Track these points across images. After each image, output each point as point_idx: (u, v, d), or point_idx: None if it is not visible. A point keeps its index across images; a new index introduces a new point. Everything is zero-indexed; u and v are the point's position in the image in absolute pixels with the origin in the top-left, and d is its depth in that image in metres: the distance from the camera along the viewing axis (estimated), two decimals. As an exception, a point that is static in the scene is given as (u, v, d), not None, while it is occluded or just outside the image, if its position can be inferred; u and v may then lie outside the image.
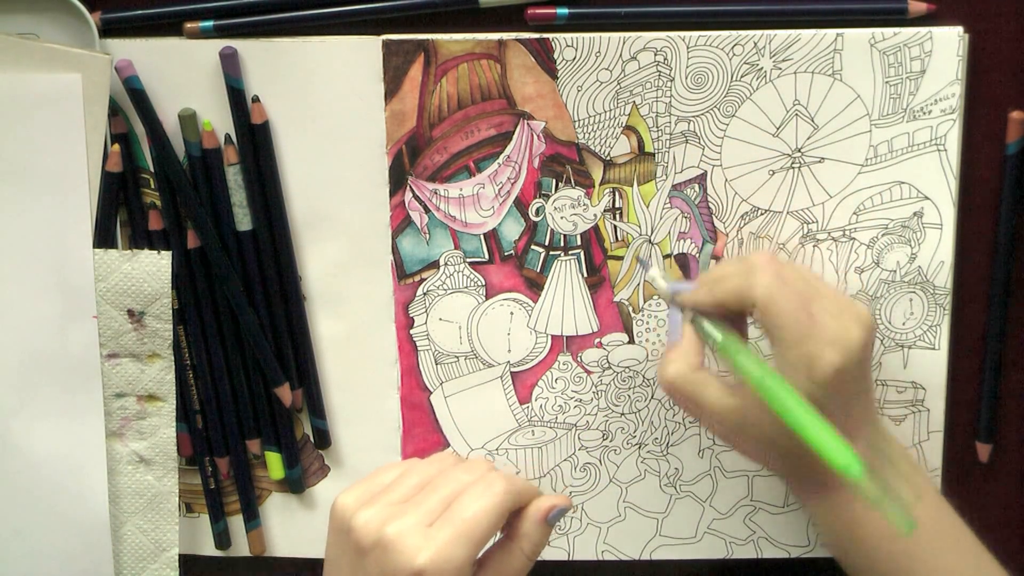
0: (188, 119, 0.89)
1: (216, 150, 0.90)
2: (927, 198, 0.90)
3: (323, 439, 0.95)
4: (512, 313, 0.93)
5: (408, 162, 0.90)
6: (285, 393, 0.93)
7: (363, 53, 0.89)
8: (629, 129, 0.89)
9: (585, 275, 0.92)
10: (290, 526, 0.97)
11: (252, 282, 0.92)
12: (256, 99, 0.89)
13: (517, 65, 0.88)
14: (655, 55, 0.88)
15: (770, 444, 0.81)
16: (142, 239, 0.91)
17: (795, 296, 0.80)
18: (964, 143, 0.89)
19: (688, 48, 0.87)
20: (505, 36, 0.88)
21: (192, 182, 0.90)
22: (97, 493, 0.93)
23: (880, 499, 0.74)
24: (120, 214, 0.91)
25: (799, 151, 0.89)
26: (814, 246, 0.91)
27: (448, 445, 0.95)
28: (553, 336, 0.93)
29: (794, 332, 0.79)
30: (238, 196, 0.90)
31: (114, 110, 0.89)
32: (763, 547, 0.96)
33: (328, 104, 0.90)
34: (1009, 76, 0.89)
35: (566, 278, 0.92)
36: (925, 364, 0.92)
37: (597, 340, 0.93)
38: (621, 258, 0.91)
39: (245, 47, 0.89)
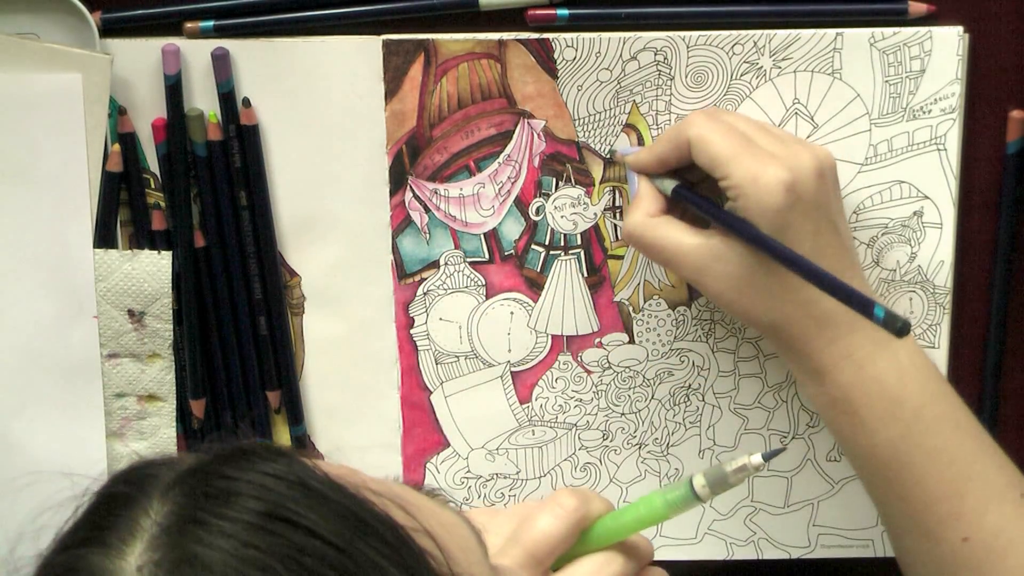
0: (195, 119, 0.89)
1: (220, 142, 0.89)
2: (927, 197, 0.90)
3: (301, 444, 0.95)
4: (512, 313, 0.93)
5: (408, 162, 0.90)
6: (273, 398, 0.94)
7: (363, 53, 0.89)
8: (629, 127, 0.89)
9: (585, 275, 0.92)
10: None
11: (236, 285, 0.92)
12: (247, 102, 0.89)
13: (517, 65, 0.88)
14: (655, 54, 0.88)
15: (739, 281, 0.81)
16: (143, 239, 0.91)
17: (729, 128, 0.82)
18: (964, 143, 0.89)
19: (688, 47, 0.87)
20: (505, 36, 0.88)
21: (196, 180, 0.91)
22: (97, 494, 0.93)
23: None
24: (121, 214, 0.91)
25: (799, 150, 0.89)
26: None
27: (448, 445, 0.95)
28: (553, 336, 0.93)
29: (732, 153, 0.80)
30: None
31: (121, 109, 0.89)
32: (763, 548, 0.96)
33: (328, 104, 0.90)
34: (1009, 76, 0.89)
35: (566, 278, 0.92)
36: (925, 363, 0.92)
37: (597, 340, 0.93)
38: (621, 257, 0.91)
39: (245, 47, 0.89)
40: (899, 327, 0.74)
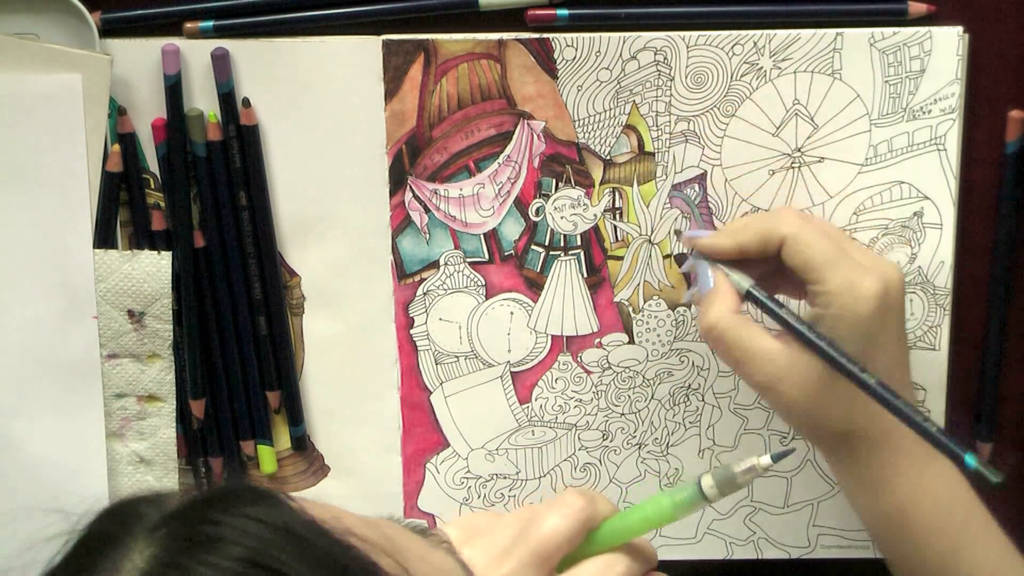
0: (195, 119, 0.89)
1: (220, 142, 0.89)
2: (927, 198, 0.90)
3: (301, 444, 0.95)
4: (512, 313, 0.93)
5: (408, 162, 0.90)
6: (273, 398, 0.94)
7: (363, 53, 0.89)
8: (629, 128, 0.89)
9: (585, 275, 0.92)
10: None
11: (236, 285, 0.92)
12: (247, 102, 0.89)
13: (517, 65, 0.88)
14: (655, 54, 0.88)
15: (817, 389, 0.80)
16: (143, 239, 0.91)
17: (823, 233, 0.81)
18: (964, 143, 0.89)
19: (688, 48, 0.87)
20: (505, 36, 0.88)
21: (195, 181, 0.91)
22: (97, 494, 0.93)
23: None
24: (121, 214, 0.91)
25: (799, 151, 0.89)
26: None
27: (448, 445, 0.95)
28: (553, 336, 0.93)
29: (830, 260, 0.79)
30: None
31: (121, 109, 0.89)
32: (763, 548, 0.96)
33: (328, 104, 0.90)
34: (1009, 76, 0.89)
35: (566, 278, 0.92)
36: (925, 364, 0.92)
37: (597, 340, 0.93)
38: (621, 258, 0.91)
39: (245, 47, 0.89)
40: (997, 482, 0.72)
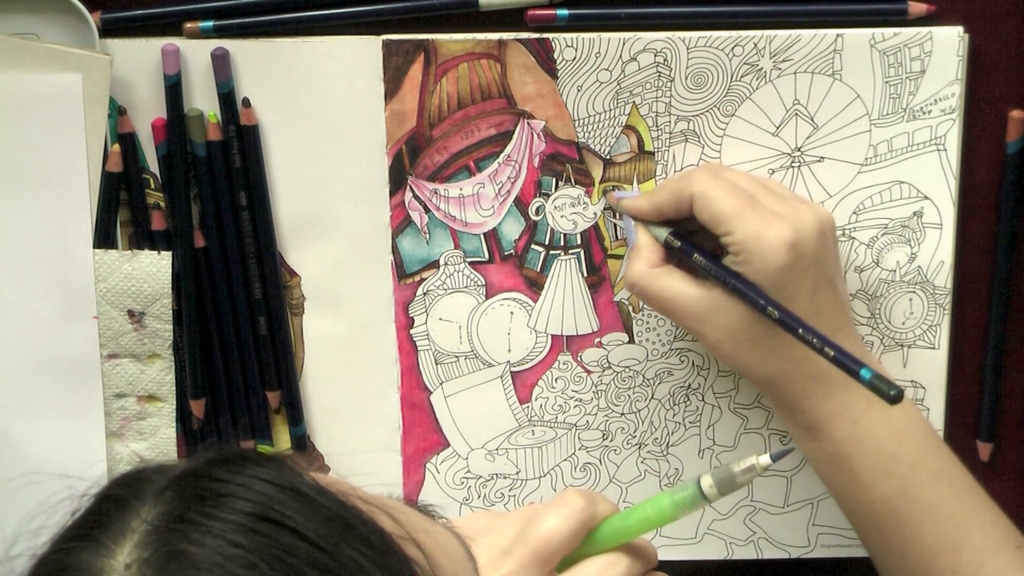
0: (195, 119, 0.89)
1: (220, 142, 0.89)
2: (927, 198, 0.90)
3: (301, 444, 0.95)
4: (512, 313, 0.93)
5: (408, 162, 0.90)
6: (273, 398, 0.94)
7: (363, 53, 0.89)
8: (629, 129, 0.89)
9: (585, 274, 0.92)
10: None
11: (236, 285, 0.92)
12: (247, 102, 0.89)
13: (517, 65, 0.88)
14: (655, 56, 0.88)
15: (737, 333, 0.83)
16: (143, 239, 0.91)
17: (732, 186, 0.84)
18: (964, 143, 0.89)
19: (688, 49, 0.87)
20: (505, 36, 0.88)
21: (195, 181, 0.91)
22: (97, 494, 0.93)
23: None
24: (121, 214, 0.91)
25: (799, 150, 0.89)
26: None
27: (448, 445, 0.95)
28: (553, 336, 0.93)
29: (736, 212, 0.82)
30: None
31: (121, 109, 0.89)
32: (763, 547, 0.96)
33: (328, 104, 0.90)
34: (1009, 76, 0.89)
35: (566, 277, 0.92)
36: (925, 363, 0.92)
37: (597, 340, 0.93)
38: (621, 257, 0.91)
39: (245, 47, 0.89)
40: (892, 395, 0.75)
